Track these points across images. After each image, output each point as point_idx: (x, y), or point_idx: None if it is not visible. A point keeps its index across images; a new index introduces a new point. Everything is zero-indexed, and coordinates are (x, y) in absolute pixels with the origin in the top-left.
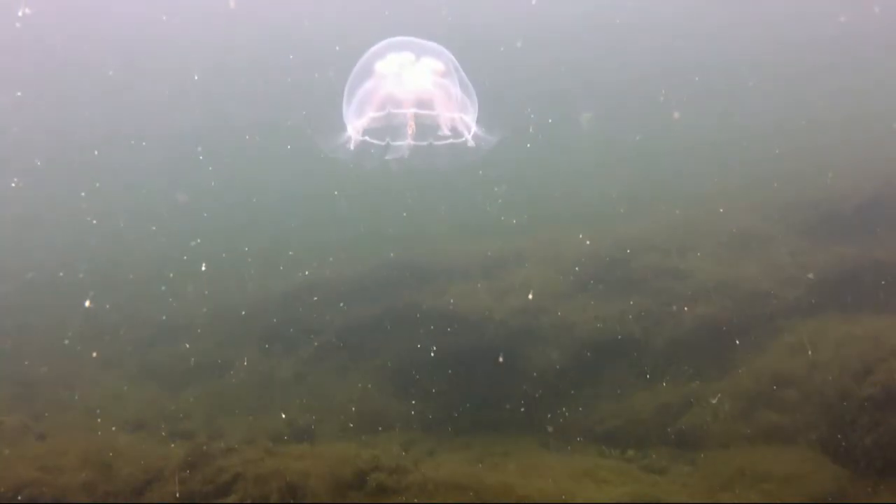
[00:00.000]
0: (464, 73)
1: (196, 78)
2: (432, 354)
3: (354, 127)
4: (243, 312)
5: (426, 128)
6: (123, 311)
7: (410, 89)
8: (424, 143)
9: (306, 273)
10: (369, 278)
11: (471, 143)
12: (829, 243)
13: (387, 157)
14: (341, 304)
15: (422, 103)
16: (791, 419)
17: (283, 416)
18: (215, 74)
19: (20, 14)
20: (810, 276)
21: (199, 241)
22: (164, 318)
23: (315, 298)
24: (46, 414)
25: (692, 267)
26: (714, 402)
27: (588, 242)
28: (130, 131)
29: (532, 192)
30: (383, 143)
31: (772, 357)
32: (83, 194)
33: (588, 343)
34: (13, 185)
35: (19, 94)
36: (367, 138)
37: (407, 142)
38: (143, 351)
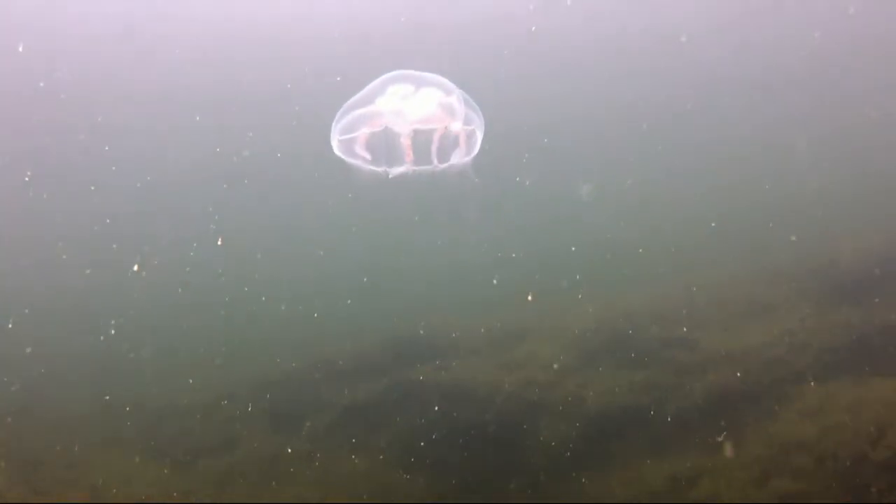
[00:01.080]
0: (470, 102)
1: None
2: (439, 429)
3: (351, 152)
4: (249, 390)
5: (426, 154)
6: (128, 389)
7: (409, 119)
8: (426, 167)
9: (310, 349)
10: (374, 353)
11: (469, 165)
12: (837, 308)
13: (389, 177)
14: (347, 380)
15: (421, 131)
16: (805, 485)
17: (292, 493)
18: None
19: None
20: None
21: (200, 317)
22: (169, 395)
23: (319, 375)
24: (50, 492)
25: (700, 336)
26: (726, 471)
27: (594, 314)
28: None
29: (536, 264)
30: (381, 171)
31: (783, 423)
32: (88, 271)
33: (597, 415)
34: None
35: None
36: (365, 165)
37: (406, 166)
38: (149, 429)
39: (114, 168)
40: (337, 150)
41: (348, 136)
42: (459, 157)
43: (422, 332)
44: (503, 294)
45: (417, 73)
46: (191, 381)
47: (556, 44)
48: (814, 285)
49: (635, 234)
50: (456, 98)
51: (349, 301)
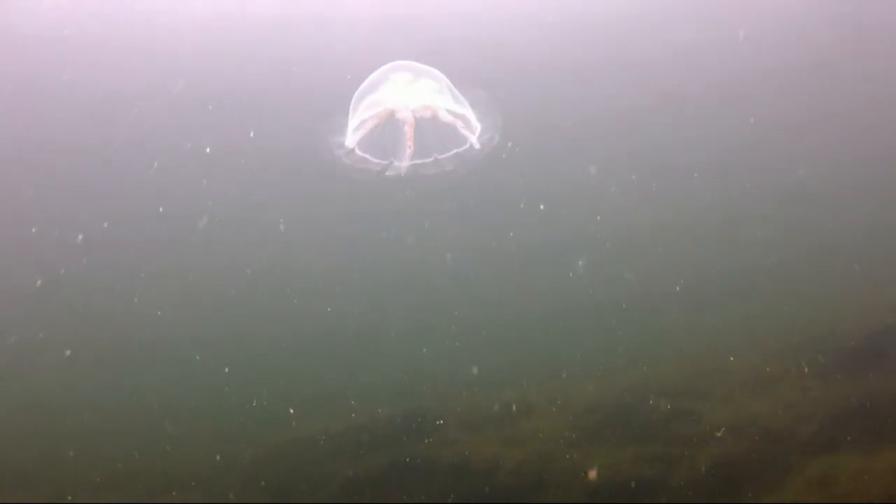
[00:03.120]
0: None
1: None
2: None
3: (354, 139)
4: (247, 464)
5: (428, 147)
6: (123, 459)
7: (412, 105)
8: (429, 160)
9: (309, 422)
10: (376, 428)
11: (476, 146)
12: (840, 377)
13: (388, 173)
14: (347, 454)
15: (422, 120)
16: None
17: None
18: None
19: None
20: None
21: (201, 385)
22: (166, 467)
23: (318, 448)
24: None
25: (703, 409)
26: None
27: (596, 387)
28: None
29: (538, 340)
30: (385, 163)
31: (790, 495)
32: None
33: (601, 489)
34: None
35: None
36: (367, 156)
37: (407, 154)
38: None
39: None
40: (348, 143)
41: (358, 127)
42: (458, 146)
43: (423, 405)
44: (505, 368)
45: (416, 63)
46: (183, 452)
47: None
48: (816, 356)
49: (637, 307)
50: (452, 87)
51: (348, 373)
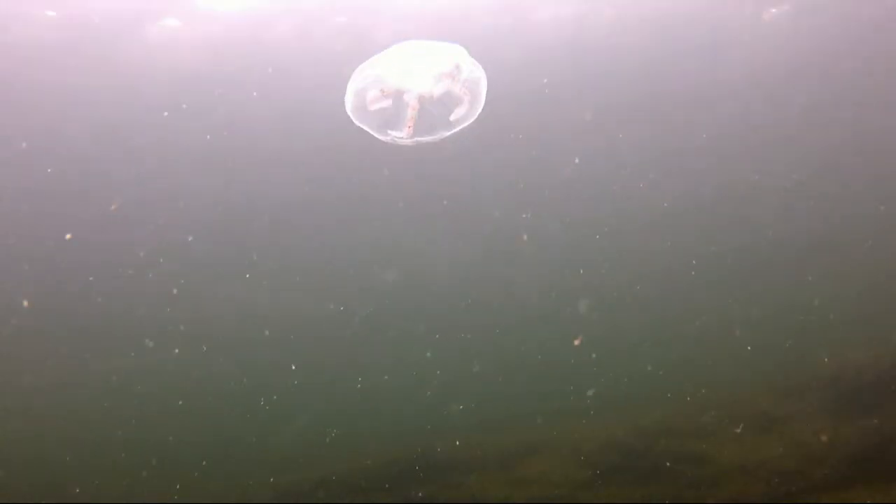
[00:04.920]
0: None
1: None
2: None
3: (363, 116)
4: None
5: (431, 124)
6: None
7: (417, 90)
8: (433, 137)
9: (312, 466)
10: (385, 471)
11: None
12: (851, 416)
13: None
14: (352, 499)
15: (427, 98)
16: None
17: None
18: None
19: None
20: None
21: (192, 432)
22: None
23: (322, 494)
24: None
25: (713, 451)
26: None
27: (605, 429)
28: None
29: (545, 380)
30: (388, 137)
31: None
32: None
33: None
34: None
35: None
36: (376, 130)
37: (406, 132)
38: None
39: None
40: (349, 113)
41: (361, 100)
42: (463, 116)
43: (425, 448)
44: (512, 409)
45: (429, 42)
46: (192, 497)
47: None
48: (826, 396)
49: (645, 348)
50: (462, 60)
51: (353, 415)
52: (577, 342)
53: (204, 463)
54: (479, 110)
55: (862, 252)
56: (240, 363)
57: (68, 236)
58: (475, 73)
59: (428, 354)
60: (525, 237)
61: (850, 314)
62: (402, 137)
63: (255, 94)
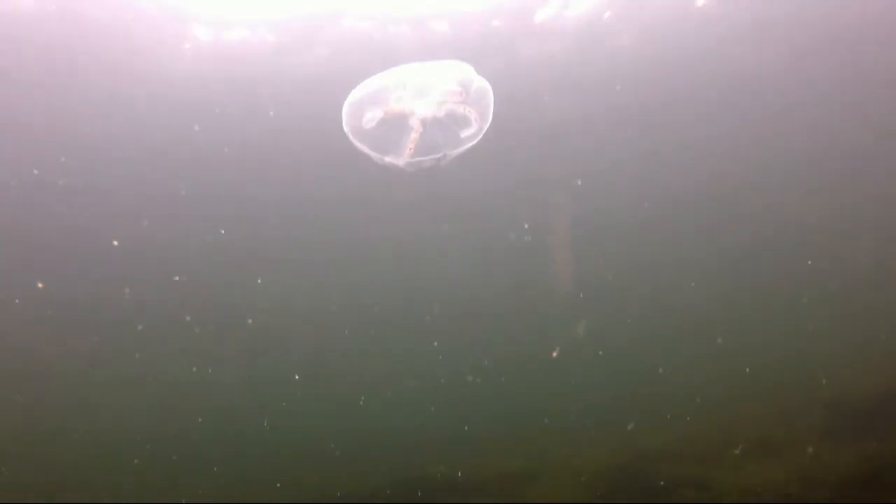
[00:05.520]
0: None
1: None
2: None
3: (361, 136)
4: None
5: (434, 144)
6: None
7: (420, 114)
8: (438, 156)
9: (318, 491)
10: (385, 495)
11: (476, 133)
12: (851, 441)
13: (387, 161)
14: None
15: (429, 120)
16: None
17: None
18: None
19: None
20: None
21: (201, 450)
22: None
23: None
24: None
25: (713, 475)
26: None
27: (605, 453)
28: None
29: (545, 404)
30: (386, 158)
31: None
32: None
33: None
34: None
35: None
36: (368, 151)
37: (407, 153)
38: None
39: None
40: (346, 130)
41: (360, 120)
42: (468, 137)
43: (424, 471)
44: (513, 432)
45: (433, 64)
46: None
47: None
48: (824, 420)
49: (644, 373)
50: (467, 79)
51: (352, 438)
52: (554, 354)
53: (202, 481)
54: (486, 127)
55: (862, 274)
56: (239, 378)
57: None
58: (482, 91)
59: (428, 377)
60: (525, 264)
61: (850, 337)
62: (401, 161)
63: (271, 113)
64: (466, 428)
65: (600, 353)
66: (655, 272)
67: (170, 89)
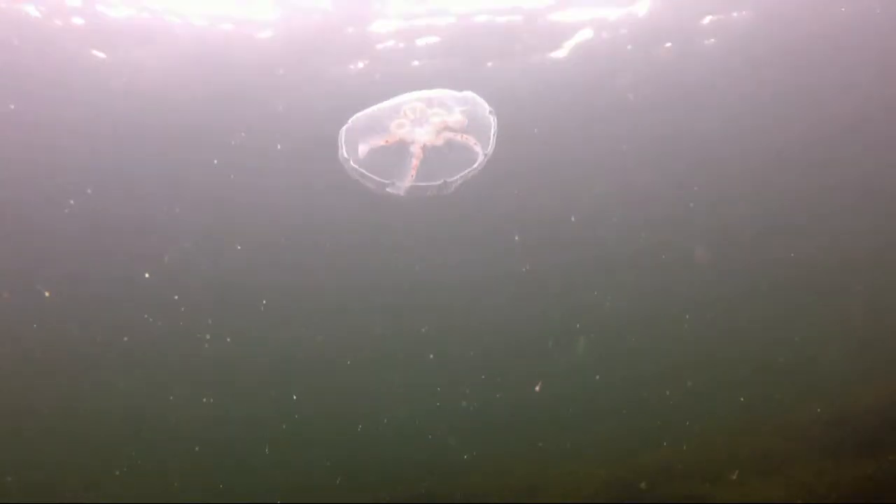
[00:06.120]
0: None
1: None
2: None
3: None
4: None
5: (435, 172)
6: None
7: (420, 140)
8: (436, 183)
9: None
10: None
11: (479, 162)
12: (854, 459)
13: (389, 190)
14: None
15: (430, 147)
16: None
17: None
18: None
19: None
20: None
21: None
22: None
23: None
24: None
25: (716, 493)
26: None
27: (605, 470)
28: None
29: (545, 422)
30: (388, 183)
31: None
32: None
33: None
34: None
35: None
36: (370, 175)
37: (409, 179)
38: None
39: None
40: (345, 156)
41: (360, 147)
42: (468, 167)
43: (428, 489)
44: (513, 450)
45: (428, 90)
46: None
47: None
48: (829, 438)
49: (645, 389)
50: (470, 108)
51: (355, 457)
52: (537, 388)
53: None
54: (489, 153)
55: (865, 292)
56: (240, 401)
57: (166, 258)
58: (486, 120)
59: (430, 396)
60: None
61: (853, 355)
62: (401, 189)
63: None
64: (467, 447)
65: (600, 373)
66: (657, 291)
67: None
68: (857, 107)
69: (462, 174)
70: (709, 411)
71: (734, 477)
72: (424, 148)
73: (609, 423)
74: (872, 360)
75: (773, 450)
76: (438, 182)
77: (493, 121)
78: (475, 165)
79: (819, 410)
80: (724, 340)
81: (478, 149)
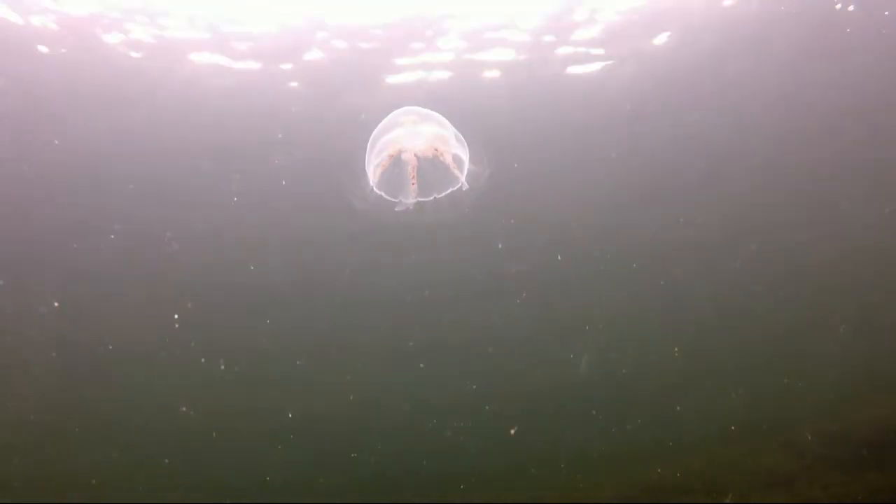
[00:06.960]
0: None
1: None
2: None
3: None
4: None
5: (429, 185)
6: None
7: (414, 148)
8: (430, 198)
9: None
10: None
11: (465, 186)
12: (861, 473)
13: (397, 209)
14: None
15: (423, 159)
16: None
17: None
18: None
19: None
20: None
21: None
22: None
23: None
24: None
25: None
26: None
27: (612, 487)
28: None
29: (553, 440)
30: (396, 200)
31: None
32: None
33: None
34: None
35: None
36: (382, 193)
37: (412, 192)
38: None
39: None
40: (370, 179)
41: (374, 168)
42: (455, 182)
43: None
44: (520, 465)
45: (420, 108)
46: None
47: None
48: (834, 452)
49: (653, 407)
50: (451, 130)
51: (360, 470)
52: (512, 432)
53: None
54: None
55: (873, 308)
56: (240, 401)
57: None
58: (459, 140)
59: (437, 411)
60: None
61: (861, 369)
62: (410, 201)
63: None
64: (474, 461)
65: (607, 388)
66: (665, 307)
67: None
68: None
69: (449, 188)
70: (716, 426)
71: (742, 492)
72: (418, 154)
73: (613, 438)
74: (880, 375)
75: (779, 465)
76: (429, 198)
77: (465, 150)
78: (457, 177)
79: (827, 425)
80: (733, 356)
81: (458, 172)
